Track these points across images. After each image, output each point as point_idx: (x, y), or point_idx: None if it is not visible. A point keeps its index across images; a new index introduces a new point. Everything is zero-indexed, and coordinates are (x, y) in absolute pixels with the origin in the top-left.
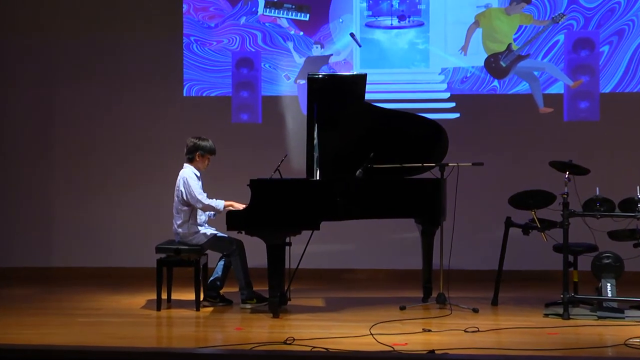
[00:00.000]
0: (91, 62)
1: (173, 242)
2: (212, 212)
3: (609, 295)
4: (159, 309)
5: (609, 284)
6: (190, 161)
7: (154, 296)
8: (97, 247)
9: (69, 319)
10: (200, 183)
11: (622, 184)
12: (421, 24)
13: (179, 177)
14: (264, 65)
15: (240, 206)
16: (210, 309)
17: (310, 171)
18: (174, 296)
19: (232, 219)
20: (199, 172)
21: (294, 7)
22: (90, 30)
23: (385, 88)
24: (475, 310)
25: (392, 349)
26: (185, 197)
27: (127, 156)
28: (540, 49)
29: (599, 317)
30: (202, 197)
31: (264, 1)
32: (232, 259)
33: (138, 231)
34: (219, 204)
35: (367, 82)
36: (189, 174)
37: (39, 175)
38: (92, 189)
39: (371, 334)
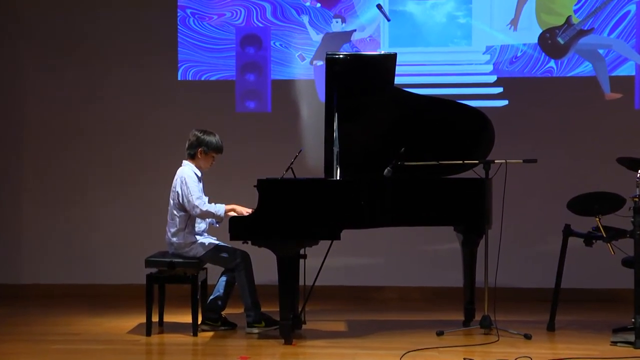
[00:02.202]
0: (67, 41)
1: (166, 254)
2: (214, 219)
3: None
4: (149, 333)
5: None
6: (192, 158)
7: (143, 319)
8: (74, 260)
9: (41, 346)
10: (200, 185)
11: None
12: None
13: (176, 177)
14: (274, 43)
15: (245, 211)
16: (210, 334)
17: (329, 169)
18: (167, 318)
19: (236, 226)
20: (201, 171)
21: None
22: (65, 3)
23: (419, 70)
24: (528, 337)
25: None
26: (181, 201)
27: (111, 153)
28: (607, 22)
29: None
30: (200, 202)
31: None
32: (236, 275)
33: (124, 241)
34: (219, 209)
35: (397, 63)
36: (188, 174)
37: (5, 176)
38: (69, 191)
39: None
